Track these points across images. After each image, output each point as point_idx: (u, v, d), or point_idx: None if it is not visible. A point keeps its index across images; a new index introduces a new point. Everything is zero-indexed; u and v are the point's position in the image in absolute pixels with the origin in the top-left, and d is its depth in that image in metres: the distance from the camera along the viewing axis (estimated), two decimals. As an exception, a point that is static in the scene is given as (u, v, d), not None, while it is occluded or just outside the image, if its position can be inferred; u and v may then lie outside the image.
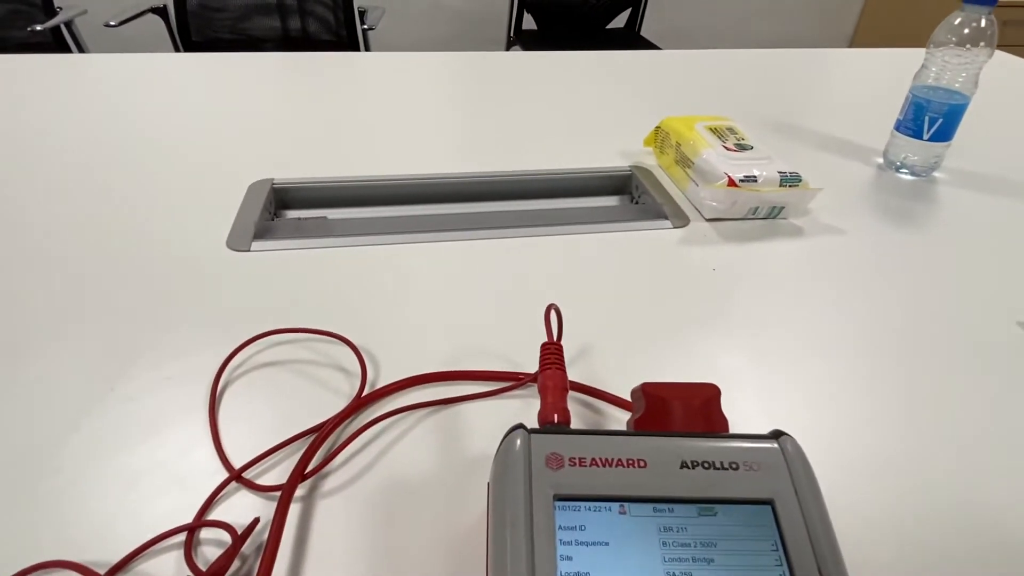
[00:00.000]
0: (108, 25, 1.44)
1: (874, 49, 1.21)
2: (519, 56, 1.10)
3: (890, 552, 0.33)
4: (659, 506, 0.25)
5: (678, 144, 0.67)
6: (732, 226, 0.61)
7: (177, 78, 0.93)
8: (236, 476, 0.35)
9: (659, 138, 0.72)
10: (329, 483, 0.35)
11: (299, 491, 0.34)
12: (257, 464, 0.36)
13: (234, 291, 0.49)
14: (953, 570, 0.32)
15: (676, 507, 0.25)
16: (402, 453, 0.37)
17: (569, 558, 0.24)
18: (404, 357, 0.44)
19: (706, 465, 0.26)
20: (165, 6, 1.63)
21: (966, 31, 0.64)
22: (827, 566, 0.24)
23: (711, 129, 0.67)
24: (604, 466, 0.26)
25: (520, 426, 0.28)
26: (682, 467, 0.26)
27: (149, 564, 0.31)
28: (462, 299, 0.50)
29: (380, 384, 0.41)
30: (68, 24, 1.52)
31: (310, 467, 0.35)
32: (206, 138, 0.75)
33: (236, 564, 0.31)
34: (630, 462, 0.26)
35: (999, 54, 1.18)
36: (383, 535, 0.32)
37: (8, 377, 0.41)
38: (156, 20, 1.64)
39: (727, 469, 0.26)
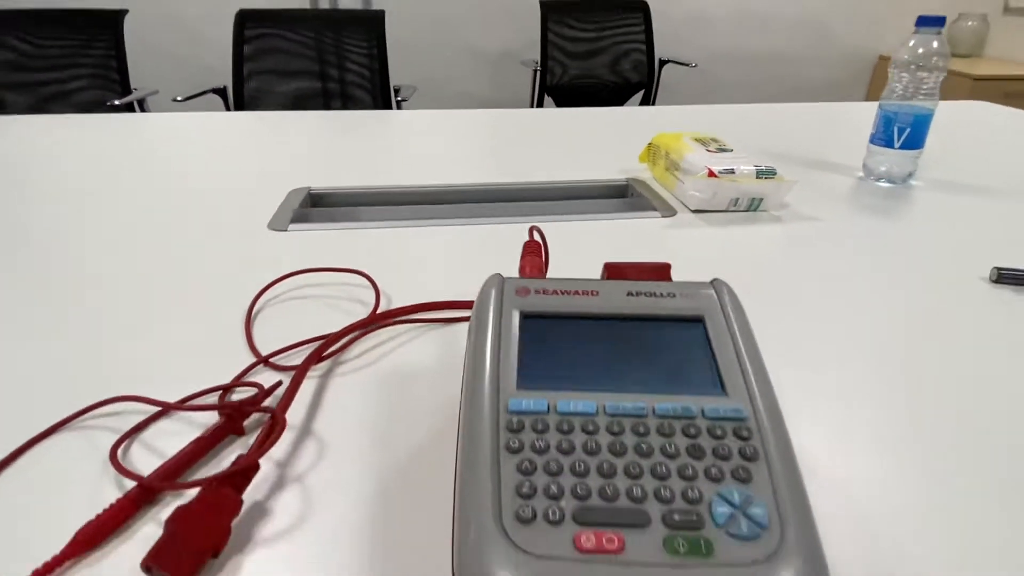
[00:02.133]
0: (175, 100, 1.63)
1: (866, 103, 1.30)
2: (536, 111, 1.22)
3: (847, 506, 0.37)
4: (609, 323, 0.31)
5: (667, 152, 0.75)
6: (715, 216, 0.67)
7: (227, 128, 1.07)
8: (264, 360, 0.41)
9: (652, 153, 0.80)
10: (343, 369, 0.41)
11: (316, 371, 0.40)
12: (281, 356, 0.42)
13: (274, 256, 0.57)
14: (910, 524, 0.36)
15: (623, 324, 0.31)
16: (407, 352, 0.43)
17: (530, 356, 0.29)
18: (414, 298, 0.50)
19: (648, 294, 0.32)
20: (225, 87, 1.85)
21: (921, 51, 0.72)
22: (747, 370, 0.28)
23: (696, 139, 0.75)
24: (564, 295, 0.32)
25: (497, 275, 0.34)
26: (628, 295, 0.32)
27: (193, 414, 0.36)
28: (468, 265, 0.56)
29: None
30: (140, 101, 1.74)
31: (326, 353, 0.41)
32: (251, 165, 0.86)
33: (259, 416, 0.36)
34: (585, 292, 0.32)
35: (980, 104, 1.26)
36: (384, 404, 0.38)
37: (101, 291, 0.48)
38: (216, 99, 1.85)
39: (666, 296, 0.32)
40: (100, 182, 0.77)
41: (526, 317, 0.31)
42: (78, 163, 0.85)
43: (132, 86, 1.78)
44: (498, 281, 0.33)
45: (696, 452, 0.24)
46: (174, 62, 2.49)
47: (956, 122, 1.14)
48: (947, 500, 0.31)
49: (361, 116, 1.16)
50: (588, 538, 0.21)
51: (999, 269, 0.52)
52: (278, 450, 0.34)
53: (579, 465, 0.24)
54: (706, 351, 0.29)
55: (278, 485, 0.32)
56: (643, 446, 0.24)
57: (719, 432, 0.25)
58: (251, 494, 0.31)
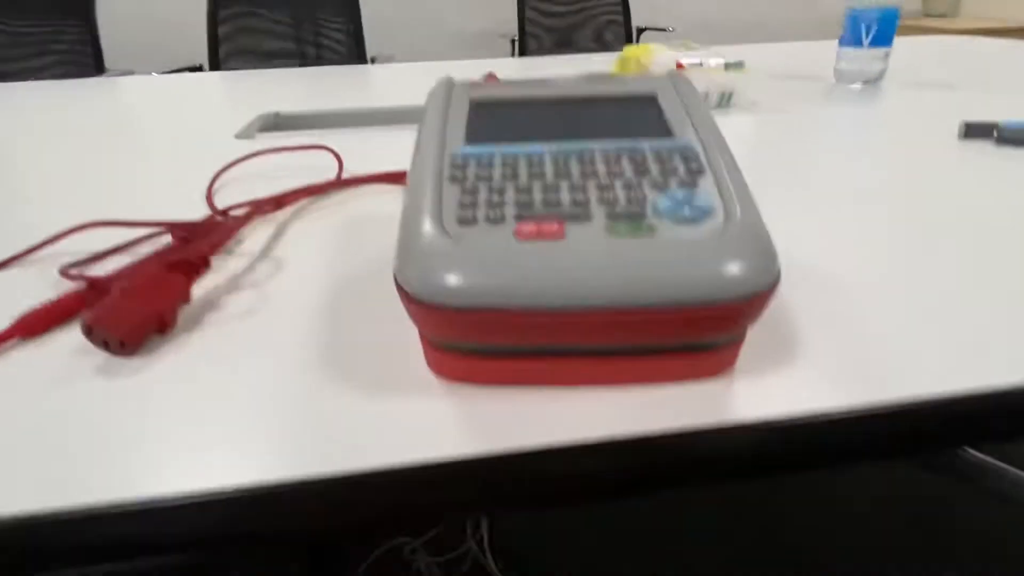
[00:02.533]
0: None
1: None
2: (517, 59, 1.22)
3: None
4: (560, 103, 0.30)
5: (638, 59, 0.74)
6: (687, 111, 0.67)
7: (199, 82, 1.06)
8: (222, 212, 0.40)
9: (623, 66, 0.80)
10: (304, 217, 0.40)
11: (277, 217, 0.40)
12: (240, 209, 0.41)
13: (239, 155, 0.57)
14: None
15: (575, 103, 0.30)
16: (368, 206, 0.42)
17: (478, 124, 0.28)
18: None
19: (601, 81, 0.31)
20: (201, 65, 1.84)
21: (884, -55, 0.73)
22: (698, 125, 0.28)
23: (668, 47, 0.75)
24: (514, 86, 0.31)
25: (448, 76, 0.33)
26: (579, 82, 0.31)
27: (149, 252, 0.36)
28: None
29: (356, 178, 0.47)
30: (116, 83, 1.73)
31: (287, 201, 0.40)
32: (221, 99, 0.85)
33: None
34: (537, 85, 0.32)
35: (958, 38, 1.27)
36: (344, 239, 0.37)
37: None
38: (193, 78, 1.83)
39: (619, 83, 0.31)
40: (72, 114, 0.76)
41: (477, 103, 0.30)
42: (55, 109, 0.84)
43: (106, 64, 1.77)
44: (448, 79, 0.32)
45: (642, 170, 0.24)
46: (149, 45, 2.47)
47: (932, 50, 1.14)
48: (908, 278, 0.31)
49: (337, 68, 1.15)
50: (528, 227, 0.21)
51: (967, 123, 0.52)
52: (236, 264, 0.33)
53: (523, 183, 0.23)
54: (657, 114, 0.29)
55: (233, 288, 0.31)
56: (589, 170, 0.24)
57: (666, 157, 0.24)
58: (205, 295, 0.30)
